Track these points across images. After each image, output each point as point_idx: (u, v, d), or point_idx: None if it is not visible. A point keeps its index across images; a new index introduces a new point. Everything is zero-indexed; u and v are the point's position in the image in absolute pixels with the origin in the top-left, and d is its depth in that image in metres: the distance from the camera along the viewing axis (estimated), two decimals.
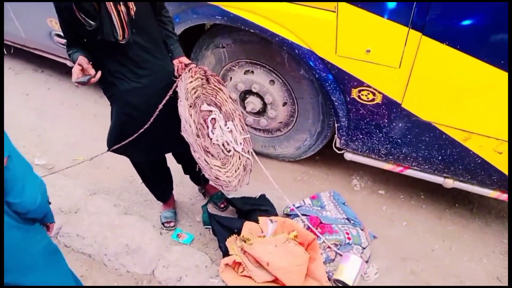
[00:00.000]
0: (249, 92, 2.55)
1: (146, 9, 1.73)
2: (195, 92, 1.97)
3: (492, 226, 2.49)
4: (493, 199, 2.30)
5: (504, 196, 2.16)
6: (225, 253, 2.22)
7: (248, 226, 2.24)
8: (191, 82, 1.91)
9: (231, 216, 2.50)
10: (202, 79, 2.01)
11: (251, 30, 2.13)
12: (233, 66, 2.51)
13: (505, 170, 2.00)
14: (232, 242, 2.21)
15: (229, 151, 2.12)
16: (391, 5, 1.70)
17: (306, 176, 2.82)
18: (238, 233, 2.25)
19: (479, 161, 2.02)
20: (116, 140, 1.90)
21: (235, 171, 2.10)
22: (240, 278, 2.13)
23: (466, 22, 1.62)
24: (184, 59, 1.94)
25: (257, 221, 2.27)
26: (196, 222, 2.49)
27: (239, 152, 2.17)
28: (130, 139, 1.83)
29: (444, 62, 1.76)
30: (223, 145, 2.10)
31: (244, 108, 2.62)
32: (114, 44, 1.63)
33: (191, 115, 1.85)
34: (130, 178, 2.76)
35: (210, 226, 2.31)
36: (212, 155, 2.00)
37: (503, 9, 1.54)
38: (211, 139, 2.05)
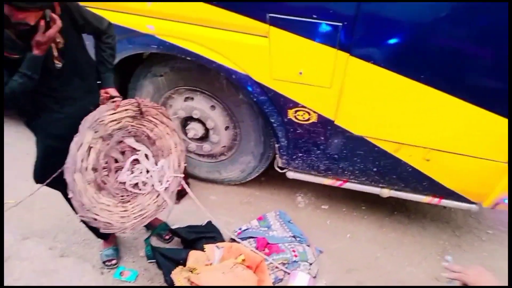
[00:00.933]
0: (190, 118, 2.54)
1: (79, 40, 1.70)
2: (117, 123, 1.92)
3: (428, 229, 2.66)
4: (428, 204, 2.48)
5: (436, 200, 2.33)
6: (171, 286, 2.13)
7: (194, 255, 2.18)
8: (112, 114, 1.88)
9: (176, 247, 2.42)
10: (135, 111, 1.97)
11: (187, 58, 2.14)
12: (172, 94, 2.49)
13: (434, 176, 2.17)
14: (178, 274, 2.13)
15: (140, 190, 2.06)
16: (320, 28, 1.81)
17: (253, 198, 2.83)
18: (184, 264, 2.18)
19: (410, 169, 2.17)
20: (41, 172, 1.85)
21: (139, 210, 2.01)
22: None
23: (388, 41, 1.77)
24: (112, 91, 1.89)
25: (203, 249, 2.22)
26: (139, 257, 2.37)
27: (158, 191, 2.08)
28: (59, 170, 1.74)
29: (370, 79, 1.89)
30: (136, 184, 2.05)
31: (186, 134, 2.60)
32: (41, 74, 1.57)
33: (80, 149, 1.79)
34: (66, 218, 2.57)
35: (154, 260, 2.21)
36: (110, 193, 1.94)
37: (422, 25, 1.71)
38: (116, 177, 2.00)
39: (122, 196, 1.99)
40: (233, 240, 2.44)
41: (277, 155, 2.42)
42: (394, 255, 2.48)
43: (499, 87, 1.77)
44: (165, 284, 2.19)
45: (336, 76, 1.92)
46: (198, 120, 2.51)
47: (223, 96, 2.37)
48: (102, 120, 1.87)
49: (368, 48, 1.81)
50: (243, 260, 2.21)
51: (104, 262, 2.29)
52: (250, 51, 2.00)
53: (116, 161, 2.01)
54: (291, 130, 2.22)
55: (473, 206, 2.28)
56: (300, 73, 1.97)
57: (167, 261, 2.19)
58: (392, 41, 1.77)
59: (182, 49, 2.11)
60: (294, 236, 2.46)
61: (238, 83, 2.12)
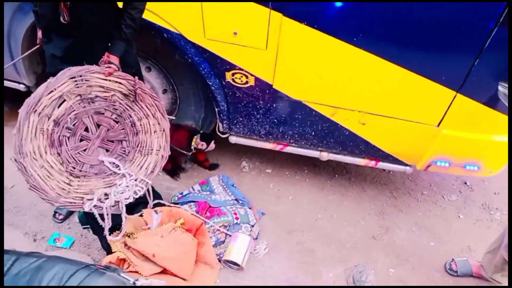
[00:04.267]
0: None
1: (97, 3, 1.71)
2: (104, 92, 1.80)
3: (368, 191, 2.75)
4: (368, 167, 2.54)
5: (373, 163, 2.39)
6: (109, 251, 2.10)
7: (131, 221, 2.15)
8: (102, 79, 1.76)
9: (112, 212, 2.37)
10: (128, 90, 1.84)
11: None
12: None
13: (369, 139, 2.21)
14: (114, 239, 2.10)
15: (100, 173, 1.90)
16: None
17: (196, 164, 2.80)
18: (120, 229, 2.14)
19: (347, 133, 2.20)
20: None
21: (83, 193, 1.82)
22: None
23: (320, 1, 1.72)
24: (114, 58, 1.77)
25: (141, 215, 2.19)
26: (75, 223, 2.31)
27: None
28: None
29: (305, 41, 1.85)
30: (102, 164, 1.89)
31: None
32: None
33: (51, 94, 1.68)
34: None
35: (88, 226, 2.16)
36: (60, 157, 1.80)
37: None
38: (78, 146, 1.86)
39: (73, 167, 1.83)
40: (174, 204, 2.42)
41: (218, 120, 2.37)
42: (334, 216, 2.56)
43: (431, 52, 1.78)
44: (102, 250, 2.17)
45: (271, 38, 1.87)
46: None
47: (159, 57, 2.26)
48: (88, 80, 1.75)
49: (300, 8, 1.75)
50: (182, 223, 2.21)
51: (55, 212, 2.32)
52: (181, 8, 1.89)
53: (86, 130, 1.86)
54: (230, 93, 2.17)
55: (408, 168, 2.36)
56: (235, 33, 1.89)
57: (101, 227, 2.14)
58: (324, 1, 1.71)
59: None
60: (236, 199, 2.48)
61: (171, 43, 2.02)
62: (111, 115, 1.88)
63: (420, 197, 2.75)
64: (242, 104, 2.21)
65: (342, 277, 2.22)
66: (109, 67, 1.75)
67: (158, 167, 1.91)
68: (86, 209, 1.75)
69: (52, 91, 1.67)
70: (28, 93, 2.55)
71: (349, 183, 2.78)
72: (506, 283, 2.17)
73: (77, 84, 1.74)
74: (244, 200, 2.47)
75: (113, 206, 1.83)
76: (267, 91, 2.10)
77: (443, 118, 1.99)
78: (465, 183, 2.87)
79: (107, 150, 1.92)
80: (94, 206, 1.76)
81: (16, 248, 2.08)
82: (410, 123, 2.06)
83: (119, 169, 1.88)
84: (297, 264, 2.26)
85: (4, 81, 2.55)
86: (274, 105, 2.15)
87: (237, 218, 2.33)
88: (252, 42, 1.91)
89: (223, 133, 2.45)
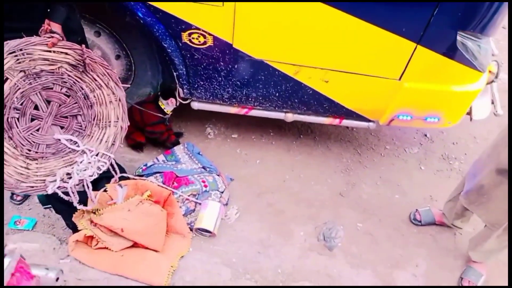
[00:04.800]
0: None
1: None
2: (49, 65, 1.66)
3: (332, 149, 2.78)
4: (332, 125, 2.55)
5: (337, 121, 2.39)
6: (75, 229, 2.01)
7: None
8: (45, 51, 1.61)
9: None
10: (76, 60, 1.69)
11: None
12: None
13: (333, 96, 2.19)
14: (79, 217, 2.01)
15: (58, 151, 1.78)
16: None
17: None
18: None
19: (310, 92, 2.17)
20: None
21: (44, 175, 1.73)
22: (94, 252, 1.98)
23: None
24: (55, 26, 1.58)
25: (105, 190, 2.10)
26: (35, 204, 2.18)
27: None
28: None
29: None
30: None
31: None
32: None
33: None
34: None
35: (49, 206, 2.05)
36: (12, 140, 1.69)
37: None
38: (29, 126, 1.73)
39: (29, 150, 1.71)
40: (139, 177, 2.33)
41: (178, 85, 2.26)
42: (301, 176, 2.58)
43: (391, 3, 1.75)
44: (67, 229, 2.08)
45: None
46: None
47: (108, 20, 2.09)
48: (31, 53, 1.60)
49: None
50: (149, 196, 2.14)
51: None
52: None
53: (36, 108, 1.72)
54: (188, 56, 2.06)
55: (371, 124, 2.38)
56: None
57: (64, 205, 2.03)
58: None
59: None
60: (203, 167, 2.43)
61: (120, 3, 1.86)
62: (61, 89, 1.75)
63: (383, 151, 2.82)
64: (202, 66, 2.10)
65: (312, 234, 2.27)
66: (52, 36, 1.59)
67: (119, 139, 1.82)
68: (50, 192, 1.66)
69: None
70: None
71: (314, 143, 2.79)
72: (466, 228, 2.30)
73: (18, 60, 1.61)
74: (212, 167, 2.42)
75: (77, 185, 1.74)
76: (227, 51, 2.00)
77: (404, 71, 2.00)
78: (425, 135, 2.96)
79: (61, 127, 1.79)
80: (58, 187, 1.68)
81: None
82: (372, 78, 2.06)
83: (78, 146, 1.78)
84: (269, 225, 2.27)
85: None
86: (236, 66, 2.07)
87: (205, 186, 2.29)
88: None
89: (184, 99, 2.35)
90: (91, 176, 1.76)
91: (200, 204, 2.24)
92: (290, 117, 2.36)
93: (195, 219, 2.19)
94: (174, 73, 2.16)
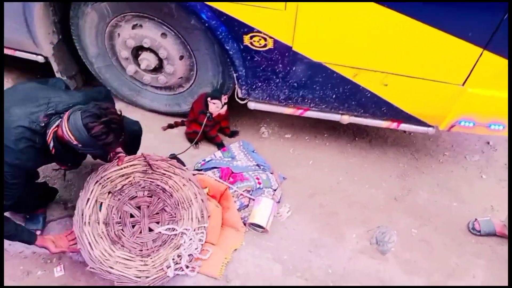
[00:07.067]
0: (141, 48, 2.39)
1: None
2: (126, 179, 2.08)
3: (388, 153, 2.73)
4: (388, 129, 2.51)
5: (394, 125, 2.36)
6: None
7: None
8: (119, 169, 2.03)
9: None
10: (143, 166, 2.07)
11: None
12: (119, 21, 2.30)
13: (392, 100, 2.16)
14: None
15: (164, 242, 2.08)
16: None
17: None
18: None
19: (369, 94, 2.15)
20: None
21: (160, 264, 1.98)
22: None
23: None
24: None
25: None
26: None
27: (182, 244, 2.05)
28: None
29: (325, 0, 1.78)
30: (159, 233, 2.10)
31: (139, 65, 2.47)
32: None
33: (88, 203, 1.94)
34: None
35: None
36: (125, 247, 2.01)
37: None
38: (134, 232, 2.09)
39: (140, 250, 2.04)
40: (198, 171, 2.46)
41: (236, 86, 2.35)
42: (355, 179, 2.57)
43: (457, 7, 1.70)
44: None
45: None
46: (150, 50, 2.37)
47: (174, 22, 2.21)
48: (110, 177, 2.01)
49: None
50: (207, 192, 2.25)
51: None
52: None
53: (132, 216, 2.11)
54: (248, 57, 2.13)
55: (430, 129, 2.31)
56: None
57: None
58: None
59: None
60: (257, 165, 2.50)
61: (186, 6, 1.97)
62: (143, 193, 2.15)
63: (442, 158, 2.72)
64: (261, 68, 2.17)
65: (365, 237, 2.26)
66: (118, 157, 1.96)
67: (205, 210, 2.10)
68: (171, 276, 1.93)
69: (88, 199, 1.93)
70: (46, 64, 2.56)
71: (370, 146, 2.76)
72: None
73: (102, 185, 2.00)
74: (265, 165, 2.49)
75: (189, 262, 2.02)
76: (287, 54, 2.05)
77: (468, 76, 1.92)
78: (488, 142, 2.82)
79: (157, 222, 2.15)
80: (175, 269, 1.96)
81: None
82: (433, 83, 2.00)
83: (176, 231, 2.07)
84: (320, 225, 2.29)
85: (23, 53, 2.54)
86: (294, 68, 2.11)
87: (259, 183, 2.36)
88: (270, 2, 1.85)
89: (242, 99, 2.43)
90: (197, 248, 2.03)
91: (253, 200, 2.32)
92: (346, 119, 2.36)
93: (248, 214, 2.27)
94: (234, 74, 2.24)
